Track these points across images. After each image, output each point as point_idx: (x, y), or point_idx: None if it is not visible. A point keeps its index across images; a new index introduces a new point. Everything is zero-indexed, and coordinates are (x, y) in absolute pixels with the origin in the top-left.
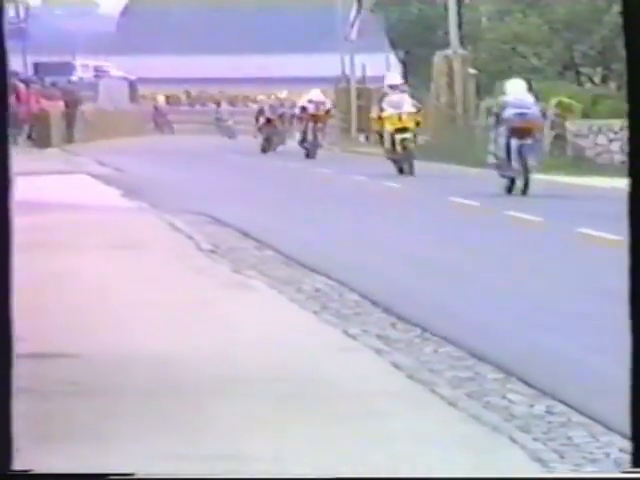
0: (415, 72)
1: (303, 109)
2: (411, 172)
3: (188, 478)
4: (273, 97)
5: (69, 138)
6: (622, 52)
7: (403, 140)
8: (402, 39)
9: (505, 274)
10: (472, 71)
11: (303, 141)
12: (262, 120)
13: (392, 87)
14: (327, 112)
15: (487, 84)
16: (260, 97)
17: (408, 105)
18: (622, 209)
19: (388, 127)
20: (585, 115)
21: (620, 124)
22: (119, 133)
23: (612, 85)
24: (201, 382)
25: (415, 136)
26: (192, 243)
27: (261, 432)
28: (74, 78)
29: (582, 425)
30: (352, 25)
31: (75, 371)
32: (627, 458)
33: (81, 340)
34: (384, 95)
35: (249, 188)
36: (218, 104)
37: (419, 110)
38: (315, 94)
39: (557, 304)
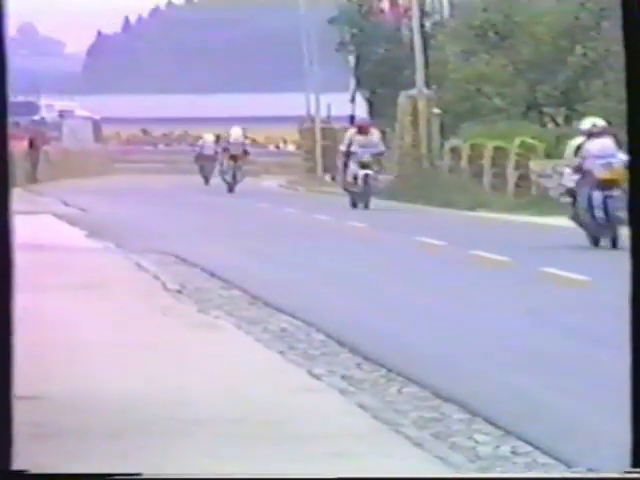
0: (381, 111)
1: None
2: (366, 206)
3: (193, 478)
4: (224, 133)
5: (33, 178)
6: (586, 92)
7: (366, 176)
8: (368, 79)
9: (468, 311)
10: (437, 111)
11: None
12: (226, 156)
13: (360, 129)
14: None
15: (452, 124)
16: (206, 134)
17: (374, 147)
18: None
19: (353, 163)
20: (548, 155)
21: None
22: (84, 173)
23: (575, 125)
24: (163, 423)
25: (376, 175)
26: (158, 283)
27: (224, 468)
28: (38, 118)
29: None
30: (352, 100)
31: (37, 413)
32: None
33: (43, 381)
34: (354, 134)
35: (216, 227)
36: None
37: (382, 153)
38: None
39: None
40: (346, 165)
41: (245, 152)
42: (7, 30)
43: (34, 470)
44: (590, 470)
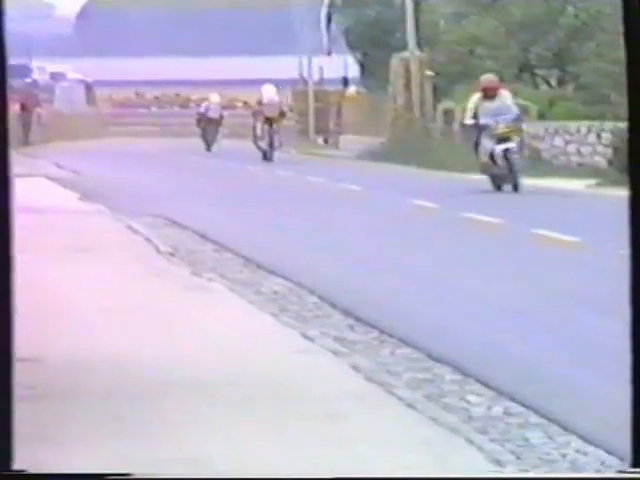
0: (373, 74)
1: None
2: (515, 189)
3: (187, 478)
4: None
5: (25, 141)
6: (578, 53)
7: (506, 151)
8: (359, 41)
9: (459, 272)
10: (429, 73)
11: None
12: (260, 119)
13: (486, 91)
14: (282, 113)
15: (444, 86)
16: (211, 95)
17: (509, 113)
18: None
19: (485, 138)
20: (541, 117)
21: (576, 126)
22: (76, 136)
23: (568, 87)
24: (159, 385)
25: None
26: (151, 246)
27: (218, 435)
28: (29, 81)
29: (539, 426)
30: (328, 54)
31: (31, 375)
32: (583, 459)
33: (37, 344)
34: (480, 100)
35: (207, 190)
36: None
37: (520, 119)
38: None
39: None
40: (477, 143)
41: (282, 113)
42: (6, 27)
43: (34, 470)
44: (590, 470)
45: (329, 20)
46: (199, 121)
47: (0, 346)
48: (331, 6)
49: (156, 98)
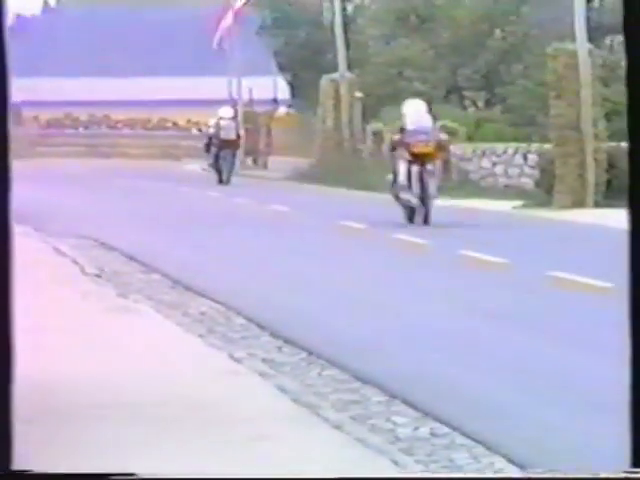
0: (302, 95)
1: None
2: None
3: (190, 478)
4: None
5: None
6: (506, 76)
7: (225, 156)
8: (289, 62)
9: (387, 292)
10: (358, 94)
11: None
12: (216, 145)
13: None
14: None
15: (374, 108)
16: (222, 110)
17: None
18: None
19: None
20: (469, 139)
21: (504, 147)
22: None
23: (496, 109)
24: (83, 407)
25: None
26: (77, 267)
27: (143, 456)
28: None
29: (465, 447)
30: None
31: None
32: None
33: None
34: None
35: (135, 211)
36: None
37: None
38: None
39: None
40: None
41: (239, 137)
42: (6, 26)
43: (34, 470)
44: (590, 470)
45: (279, 47)
46: (208, 146)
47: (1, 348)
48: (261, 27)
49: (87, 119)
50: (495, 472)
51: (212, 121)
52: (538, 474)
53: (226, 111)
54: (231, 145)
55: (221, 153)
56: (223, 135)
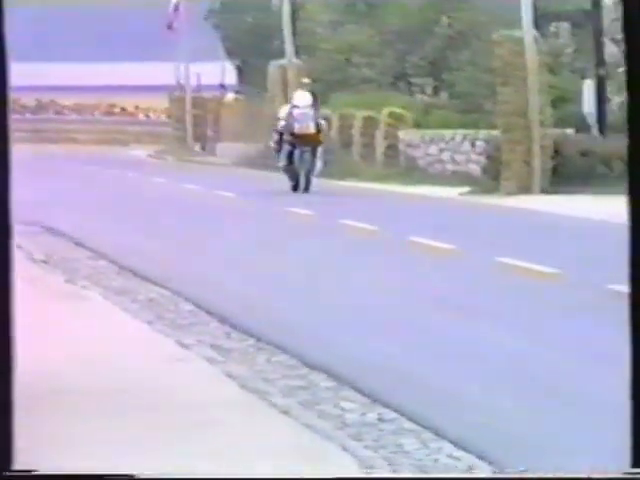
0: (251, 81)
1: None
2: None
3: (188, 478)
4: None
5: None
6: (453, 62)
7: (301, 155)
8: (237, 48)
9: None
10: (306, 80)
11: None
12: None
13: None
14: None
15: (322, 94)
16: (297, 94)
17: None
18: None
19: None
20: (417, 125)
21: (451, 134)
22: None
23: (443, 95)
24: (31, 396)
25: None
26: (23, 253)
27: (94, 444)
28: None
29: (413, 432)
30: (176, 9)
31: None
32: (454, 464)
33: None
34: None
35: (82, 197)
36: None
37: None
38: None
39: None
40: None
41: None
42: (6, 26)
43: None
44: (590, 470)
45: (227, 32)
46: (279, 144)
47: (1, 348)
48: (210, 11)
49: (31, 104)
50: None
51: (283, 111)
52: (536, 474)
53: (302, 97)
54: (309, 141)
55: (296, 151)
56: (298, 129)
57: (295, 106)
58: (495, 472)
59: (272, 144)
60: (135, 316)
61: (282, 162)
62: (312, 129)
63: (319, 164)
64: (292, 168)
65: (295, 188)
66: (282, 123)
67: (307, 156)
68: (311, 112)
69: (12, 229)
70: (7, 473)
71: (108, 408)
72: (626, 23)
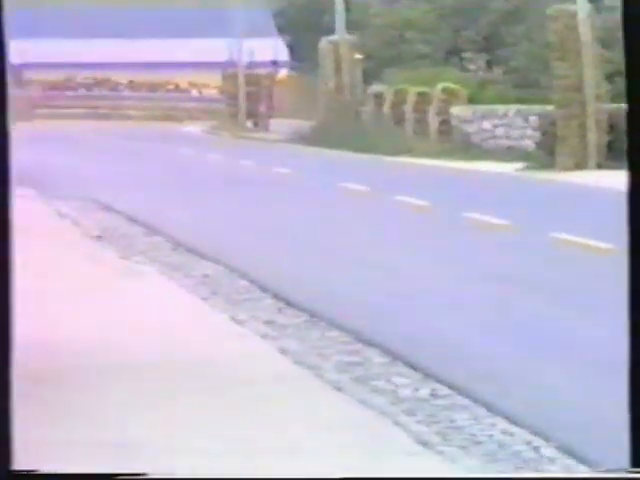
0: (303, 57)
1: None
2: None
3: (199, 478)
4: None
5: None
6: (508, 37)
7: None
8: (290, 24)
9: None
10: (359, 57)
11: None
12: None
13: None
14: None
15: (375, 70)
16: None
17: None
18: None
19: None
20: (471, 101)
21: (504, 109)
22: None
23: (498, 71)
24: (91, 369)
25: None
26: (79, 229)
27: (150, 417)
28: None
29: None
30: None
31: None
32: (509, 440)
33: None
34: None
35: (136, 173)
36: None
37: None
38: None
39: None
40: None
41: None
42: (6, 26)
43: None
44: (590, 470)
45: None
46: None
47: (1, 348)
48: None
49: (86, 80)
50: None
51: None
52: (536, 474)
53: None
54: None
55: None
56: None
57: None
58: (496, 472)
59: None
60: (191, 292)
61: None
62: None
63: None
64: None
65: None
66: None
67: None
68: None
69: (12, 229)
70: (6, 473)
71: (167, 381)
72: (626, 23)
